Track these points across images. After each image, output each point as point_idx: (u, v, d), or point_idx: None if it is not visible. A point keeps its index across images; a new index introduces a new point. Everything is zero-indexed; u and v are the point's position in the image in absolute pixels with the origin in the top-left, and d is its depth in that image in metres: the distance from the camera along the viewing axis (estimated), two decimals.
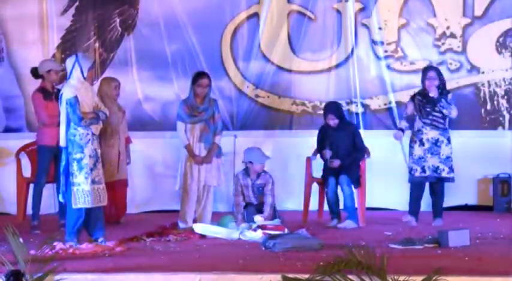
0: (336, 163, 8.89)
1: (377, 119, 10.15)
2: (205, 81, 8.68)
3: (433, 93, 8.81)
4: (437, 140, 8.80)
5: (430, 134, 8.82)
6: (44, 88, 8.81)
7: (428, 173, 8.80)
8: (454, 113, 8.81)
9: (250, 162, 8.71)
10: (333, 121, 8.98)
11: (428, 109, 8.83)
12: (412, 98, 9.01)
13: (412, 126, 8.97)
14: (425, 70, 9.02)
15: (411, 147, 8.91)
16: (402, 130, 9.00)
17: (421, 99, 8.89)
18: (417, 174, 8.83)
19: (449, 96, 8.88)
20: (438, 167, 8.79)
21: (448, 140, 8.83)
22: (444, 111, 8.77)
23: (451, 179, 8.87)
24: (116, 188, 9.22)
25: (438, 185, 8.89)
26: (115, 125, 9.17)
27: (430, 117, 8.82)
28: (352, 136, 9.03)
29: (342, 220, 8.87)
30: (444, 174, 8.80)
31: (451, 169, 8.82)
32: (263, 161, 8.74)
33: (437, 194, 8.92)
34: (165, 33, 10.39)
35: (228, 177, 9.86)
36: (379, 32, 10.22)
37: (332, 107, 9.11)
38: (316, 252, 7.01)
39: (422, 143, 8.83)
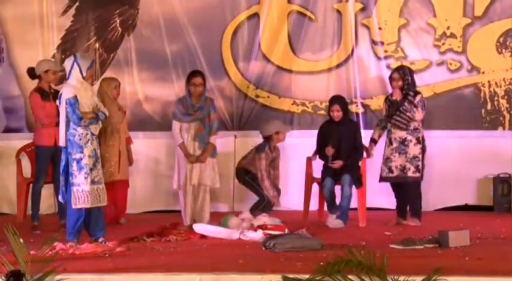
0: (338, 164, 8.90)
1: (377, 119, 10.13)
2: (198, 79, 8.71)
3: (395, 95, 8.83)
4: (404, 140, 8.81)
5: (397, 133, 8.84)
6: (41, 88, 8.81)
7: (396, 173, 8.82)
8: (417, 116, 8.75)
9: (277, 132, 9.18)
10: (337, 113, 9.00)
11: (395, 110, 8.83)
12: (386, 98, 9.09)
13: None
14: (391, 71, 9.05)
15: (384, 147, 8.95)
16: (375, 141, 9.05)
17: (389, 100, 8.93)
18: (384, 174, 8.89)
19: (417, 97, 8.81)
20: (405, 166, 8.79)
21: (418, 140, 8.79)
22: (407, 114, 8.76)
23: (417, 179, 8.82)
24: (117, 188, 9.22)
25: (407, 186, 8.86)
26: (115, 125, 9.17)
27: (395, 118, 8.82)
28: (354, 133, 9.08)
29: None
30: (410, 173, 8.78)
31: (417, 169, 8.78)
32: (288, 129, 9.40)
33: (408, 195, 8.88)
34: (165, 33, 10.39)
35: (227, 177, 9.88)
36: (379, 32, 10.22)
37: (337, 99, 9.16)
38: (316, 252, 7.02)
39: (391, 142, 8.87)
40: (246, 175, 9.27)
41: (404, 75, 8.86)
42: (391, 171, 8.85)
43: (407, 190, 8.89)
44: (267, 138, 9.29)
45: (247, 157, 9.38)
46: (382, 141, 9.10)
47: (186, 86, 8.73)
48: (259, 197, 9.20)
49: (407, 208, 8.97)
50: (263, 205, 9.10)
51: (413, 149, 8.80)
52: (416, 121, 8.79)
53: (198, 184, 8.69)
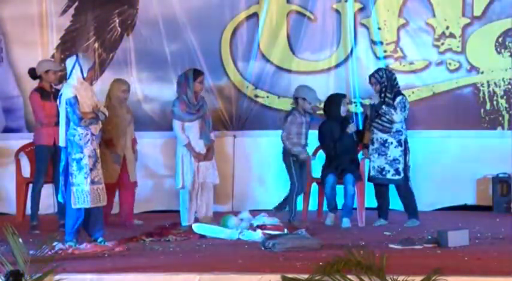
0: (352, 127, 8.96)
1: None
2: (203, 78, 8.88)
3: (373, 99, 8.88)
4: (385, 141, 8.80)
5: (378, 134, 8.84)
6: (42, 88, 8.81)
7: (372, 173, 8.85)
8: (395, 118, 8.75)
9: (304, 99, 9.05)
10: (346, 108, 9.09)
11: (374, 113, 8.87)
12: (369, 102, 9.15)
13: None
14: (368, 76, 9.10)
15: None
16: (367, 146, 9.01)
17: (370, 104, 9.00)
18: (371, 174, 8.92)
19: (397, 99, 8.80)
20: (384, 168, 8.79)
21: (399, 142, 8.79)
22: (387, 117, 8.78)
23: (396, 181, 8.81)
24: (126, 189, 9.22)
25: (385, 187, 8.91)
26: (123, 128, 9.14)
27: (376, 120, 8.84)
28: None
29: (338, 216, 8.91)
30: (389, 176, 8.79)
31: (397, 172, 8.77)
32: (316, 102, 9.21)
33: (384, 196, 8.92)
34: (164, 33, 10.38)
35: (227, 177, 9.88)
36: (378, 32, 10.21)
37: (343, 95, 9.23)
38: (315, 252, 7.02)
39: (372, 143, 8.90)
40: (291, 156, 9.06)
41: (380, 78, 8.89)
42: (372, 171, 8.89)
43: (383, 193, 8.93)
44: (296, 102, 9.22)
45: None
46: None
47: (191, 84, 8.75)
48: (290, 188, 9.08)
49: (387, 207, 8.98)
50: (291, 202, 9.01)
51: (394, 152, 8.78)
52: (397, 123, 8.79)
53: (202, 182, 8.74)
